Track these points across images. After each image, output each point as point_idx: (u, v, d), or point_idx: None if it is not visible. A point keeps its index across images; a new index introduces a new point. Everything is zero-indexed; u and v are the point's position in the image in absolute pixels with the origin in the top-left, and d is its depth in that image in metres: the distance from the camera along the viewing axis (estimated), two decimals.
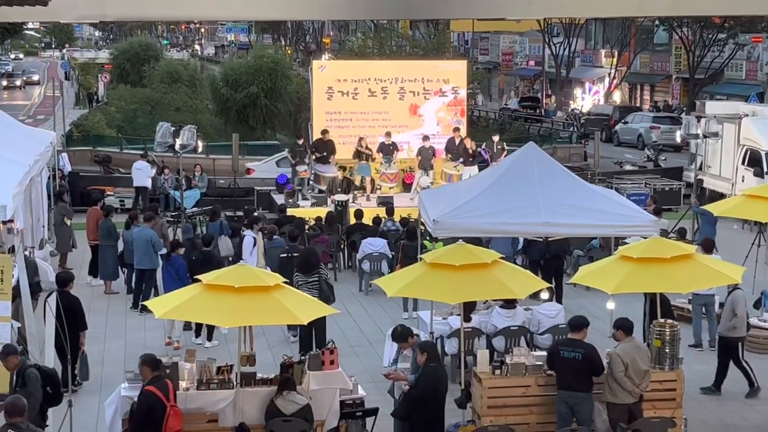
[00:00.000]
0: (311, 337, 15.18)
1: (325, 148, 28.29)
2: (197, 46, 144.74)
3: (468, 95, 35.00)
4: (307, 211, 26.17)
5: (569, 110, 67.36)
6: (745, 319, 15.74)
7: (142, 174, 29.57)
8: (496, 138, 30.01)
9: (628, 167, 39.71)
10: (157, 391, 11.61)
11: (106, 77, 73.24)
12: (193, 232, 21.42)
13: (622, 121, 55.07)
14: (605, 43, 71.34)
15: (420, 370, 12.55)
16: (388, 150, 28.73)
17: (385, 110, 30.43)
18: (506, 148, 29.54)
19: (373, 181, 28.67)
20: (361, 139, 28.88)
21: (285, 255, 18.68)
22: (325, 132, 28.73)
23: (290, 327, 18.05)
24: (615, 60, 66.50)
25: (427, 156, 28.60)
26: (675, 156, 43.41)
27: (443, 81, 30.84)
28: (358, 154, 28.55)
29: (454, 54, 66.72)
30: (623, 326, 12.97)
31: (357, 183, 28.61)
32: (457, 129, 29.27)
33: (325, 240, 22.79)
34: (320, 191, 27.84)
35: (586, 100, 70.31)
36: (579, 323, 13.03)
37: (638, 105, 66.09)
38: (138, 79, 68.42)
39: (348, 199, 26.27)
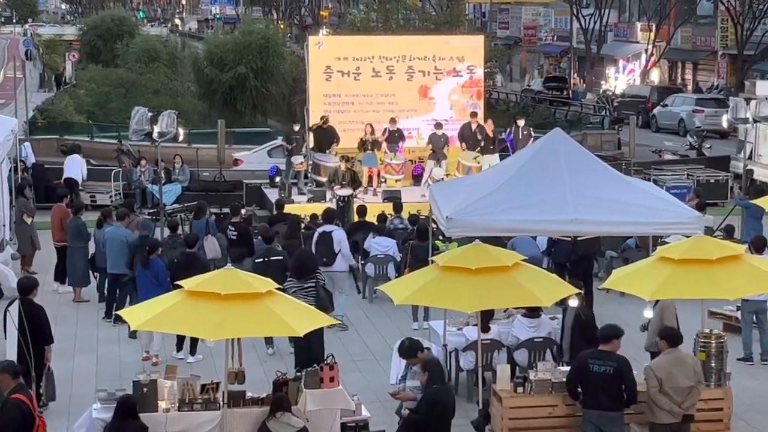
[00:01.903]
0: (308, 350, 15.17)
1: (326, 139, 28.19)
2: (177, 21, 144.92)
3: (485, 75, 35.04)
4: (303, 207, 26.16)
5: (601, 92, 67.37)
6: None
7: (74, 165, 29.37)
8: (521, 123, 29.82)
9: (667, 156, 39.75)
10: (26, 399, 11.61)
11: (74, 56, 73.36)
12: (174, 232, 21.34)
13: (661, 103, 55.04)
14: (641, 15, 71.28)
15: (422, 392, 12.55)
16: (393, 138, 28.65)
17: (392, 92, 30.40)
18: (533, 134, 29.44)
19: (378, 173, 28.57)
20: (367, 125, 28.70)
21: (261, 260, 18.38)
22: (325, 119, 28.60)
23: (267, 341, 18.05)
24: (653, 34, 66.43)
25: (439, 145, 28.50)
26: (721, 143, 43.40)
27: (457, 59, 30.81)
28: (362, 144, 28.39)
29: (470, 28, 66.72)
30: (667, 336, 12.96)
31: (363, 176, 28.13)
32: (474, 114, 29.13)
33: None
34: (318, 185, 27.73)
35: (619, 80, 70.30)
36: (609, 334, 13.02)
37: (680, 85, 66.00)
38: (110, 58, 68.58)
39: (352, 195, 26.07)
